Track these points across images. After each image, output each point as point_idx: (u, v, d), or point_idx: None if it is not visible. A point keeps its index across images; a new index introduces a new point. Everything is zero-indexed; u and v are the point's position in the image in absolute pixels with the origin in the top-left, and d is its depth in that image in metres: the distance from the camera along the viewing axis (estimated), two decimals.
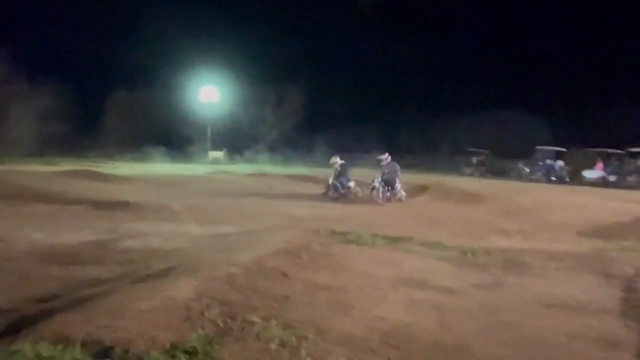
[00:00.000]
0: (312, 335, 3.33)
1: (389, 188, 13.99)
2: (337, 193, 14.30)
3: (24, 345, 2.78)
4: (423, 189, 16.49)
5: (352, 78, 58.11)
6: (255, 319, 3.44)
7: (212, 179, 22.33)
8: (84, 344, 2.86)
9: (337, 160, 14.69)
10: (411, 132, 44.21)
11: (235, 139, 47.55)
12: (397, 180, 14.22)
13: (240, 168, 31.83)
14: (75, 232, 7.81)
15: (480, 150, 35.46)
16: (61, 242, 7.04)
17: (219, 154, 44.63)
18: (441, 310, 4.39)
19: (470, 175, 33.19)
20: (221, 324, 3.30)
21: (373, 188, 14.01)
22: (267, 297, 4.04)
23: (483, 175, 33.14)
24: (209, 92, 46.44)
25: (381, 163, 14.47)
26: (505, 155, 35.35)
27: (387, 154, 14.62)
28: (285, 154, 44.40)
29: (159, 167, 32.59)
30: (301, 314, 3.82)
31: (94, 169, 23.77)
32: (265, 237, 7.02)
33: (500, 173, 33.13)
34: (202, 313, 3.40)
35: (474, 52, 54.77)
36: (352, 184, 14.51)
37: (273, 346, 3.09)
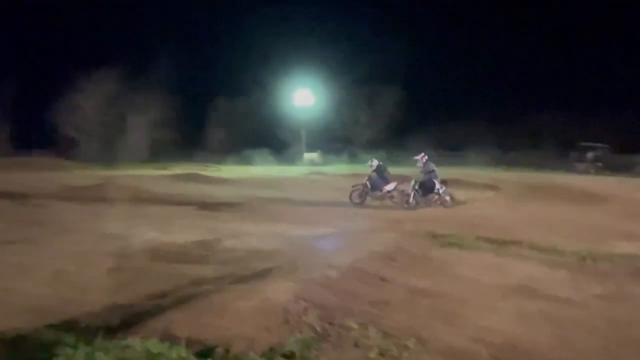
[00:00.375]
0: (413, 345, 3.13)
1: (423, 192, 12.52)
2: (362, 198, 13.23)
3: (135, 341, 2.94)
4: (530, 188, 15.30)
5: (448, 76, 56.14)
6: (353, 324, 3.32)
7: (307, 180, 22.78)
8: (189, 342, 2.95)
9: (373, 163, 13.68)
10: (514, 128, 41.44)
11: (329, 140, 48.31)
12: (436, 183, 12.63)
13: (335, 169, 32.11)
14: (183, 232, 8.34)
15: (598, 144, 32.07)
16: (171, 241, 7.54)
17: (313, 156, 45.58)
18: (559, 324, 3.91)
19: (584, 172, 30.06)
20: (319, 329, 3.23)
21: (403, 191, 12.82)
22: (364, 302, 3.91)
23: (598, 171, 29.83)
24: (304, 95, 47.58)
25: (417, 164, 13.12)
26: (623, 150, 31.72)
27: (422, 154, 13.24)
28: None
29: (258, 169, 34.11)
30: (401, 322, 3.63)
31: (200, 172, 25.49)
32: (362, 239, 6.91)
33: (618, 169, 29.55)
34: (300, 316, 3.36)
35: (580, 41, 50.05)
36: (390, 186, 13.19)
37: (372, 355, 2.95)
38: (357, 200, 13.20)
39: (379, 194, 13.17)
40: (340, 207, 13.09)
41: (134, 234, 8.21)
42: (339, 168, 33.19)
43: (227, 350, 2.87)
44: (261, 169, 33.93)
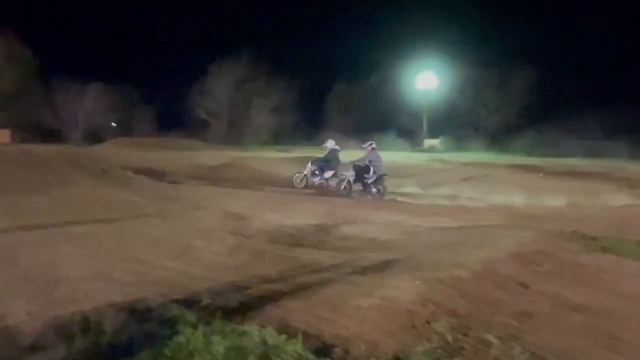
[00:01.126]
0: None
1: (355, 179, 12.00)
2: (302, 182, 12.59)
3: (252, 329, 2.83)
4: None
5: (589, 56, 49.76)
6: (492, 339, 2.85)
7: (428, 168, 21.86)
8: (305, 336, 2.77)
9: (328, 144, 12.94)
10: None
11: (453, 127, 46.05)
12: (372, 172, 11.95)
13: (457, 156, 30.48)
14: (301, 215, 8.38)
15: None
16: (289, 224, 7.60)
17: (434, 142, 43.82)
18: None
19: None
20: (450, 340, 2.82)
21: (340, 176, 12.14)
22: (503, 312, 3.39)
23: None
24: (427, 79, 45.76)
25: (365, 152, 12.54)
26: None
27: (370, 142, 12.86)
28: (506, 142, 40.81)
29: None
30: (549, 340, 3.06)
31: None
32: (493, 235, 6.22)
33: None
34: (428, 322, 2.99)
35: None
36: (328, 174, 12.46)
37: None
38: (299, 185, 12.82)
39: (317, 180, 12.58)
40: (462, 196, 12.27)
41: (255, 214, 8.45)
42: (463, 156, 31.44)
43: (346, 352, 2.62)
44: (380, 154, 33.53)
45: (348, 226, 7.40)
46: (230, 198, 10.73)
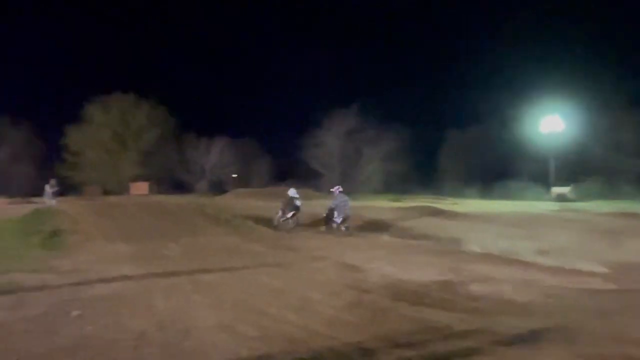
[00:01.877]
0: None
1: (325, 219, 14.29)
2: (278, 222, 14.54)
3: None
4: None
5: None
6: None
7: (560, 219, 19.82)
8: None
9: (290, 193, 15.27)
10: None
11: (583, 173, 41.87)
12: (336, 214, 13.98)
13: (595, 206, 27.35)
14: (421, 269, 7.93)
15: None
16: (410, 279, 7.21)
17: (564, 190, 39.95)
18: None
19: None
20: None
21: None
22: None
23: None
24: (552, 122, 42.51)
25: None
26: None
27: (337, 187, 15.18)
28: None
29: (497, 204, 31.70)
30: None
31: (434, 205, 25.07)
32: None
33: None
34: None
35: None
36: (290, 214, 14.74)
37: None
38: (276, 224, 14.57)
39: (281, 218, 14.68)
40: (609, 253, 10.71)
41: (372, 267, 8.21)
42: (598, 205, 28.16)
43: None
44: (502, 204, 31.39)
45: (477, 284, 6.78)
46: (345, 248, 10.64)
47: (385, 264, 8.52)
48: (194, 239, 11.20)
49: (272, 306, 5.48)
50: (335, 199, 14.35)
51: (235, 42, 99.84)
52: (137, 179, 49.11)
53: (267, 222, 15.43)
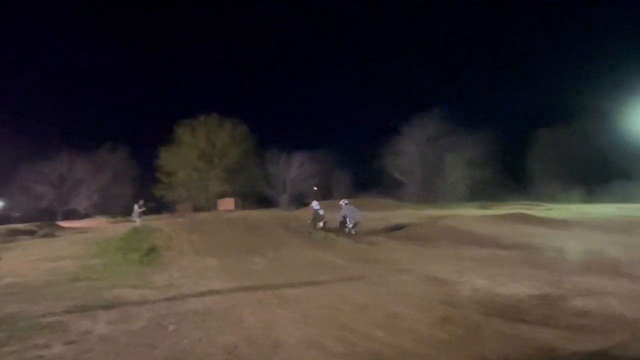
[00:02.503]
0: None
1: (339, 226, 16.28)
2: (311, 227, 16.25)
3: None
4: None
5: None
6: None
7: None
8: None
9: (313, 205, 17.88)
10: None
11: None
12: (348, 221, 15.94)
13: None
14: (516, 282, 7.45)
15: None
16: (503, 292, 6.79)
17: None
18: None
19: None
20: None
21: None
22: None
23: None
24: None
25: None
26: None
27: (344, 200, 17.24)
28: None
29: (599, 208, 29.17)
30: None
31: (525, 211, 23.64)
32: None
33: None
34: None
35: None
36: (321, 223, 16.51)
37: None
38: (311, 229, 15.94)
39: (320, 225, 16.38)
40: None
41: (461, 279, 7.86)
42: None
43: None
44: (605, 207, 28.80)
45: (581, 298, 6.22)
46: (432, 260, 10.31)
47: (476, 276, 8.12)
48: (279, 253, 11.45)
49: (358, 322, 5.42)
50: (342, 210, 16.50)
51: (309, 54, 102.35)
52: (224, 195, 51.65)
53: (347, 234, 15.45)
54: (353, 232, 15.61)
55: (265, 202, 55.15)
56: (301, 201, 51.77)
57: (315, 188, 59.32)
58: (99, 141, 56.80)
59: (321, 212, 17.08)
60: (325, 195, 55.32)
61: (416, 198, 46.66)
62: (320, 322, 5.43)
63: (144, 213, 21.50)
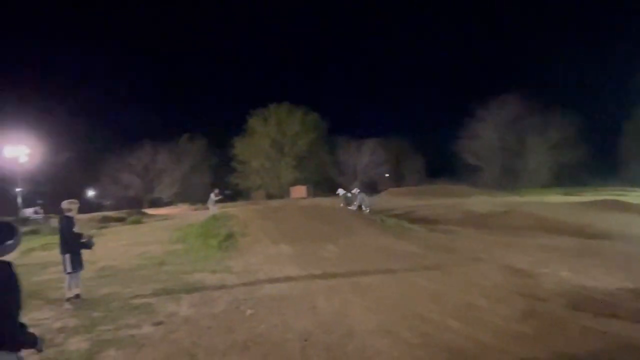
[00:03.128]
0: None
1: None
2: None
3: None
4: None
5: None
6: None
7: None
8: None
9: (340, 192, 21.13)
10: None
11: None
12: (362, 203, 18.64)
13: None
14: (607, 275, 6.96)
15: None
16: (593, 285, 6.37)
17: None
18: None
19: None
20: None
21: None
22: None
23: None
24: None
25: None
26: None
27: (356, 189, 20.27)
28: None
29: None
30: None
31: (618, 198, 21.88)
32: None
33: None
34: None
35: None
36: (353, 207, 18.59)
37: None
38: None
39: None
40: None
41: (544, 271, 7.47)
42: None
43: None
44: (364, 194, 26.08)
45: None
46: (512, 250, 9.87)
47: (561, 267, 7.69)
48: (350, 240, 11.50)
49: (432, 312, 5.33)
50: (357, 197, 18.83)
51: (381, 38, 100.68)
52: (296, 183, 52.67)
53: (422, 220, 15.19)
54: (367, 211, 18.01)
55: (336, 189, 55.46)
56: (374, 188, 51.52)
57: (386, 175, 58.75)
58: (178, 133, 60.08)
59: (349, 194, 20.09)
60: (398, 182, 54.70)
61: (493, 184, 44.63)
62: (394, 311, 5.41)
63: (219, 201, 22.45)
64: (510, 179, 47.10)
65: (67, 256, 6.34)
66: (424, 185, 46.29)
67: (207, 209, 23.24)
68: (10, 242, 2.33)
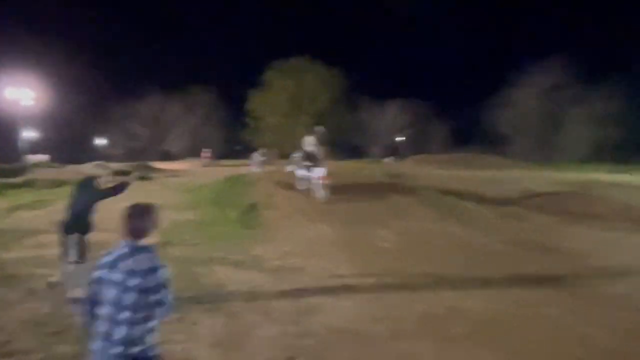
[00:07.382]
0: None
1: None
2: None
3: None
4: None
5: None
6: None
7: None
8: None
9: None
10: None
11: None
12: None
13: None
14: None
15: None
16: None
17: None
18: None
19: None
20: None
21: None
22: None
23: None
24: None
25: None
26: None
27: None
28: None
29: None
30: None
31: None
32: None
33: None
34: None
35: None
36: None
37: None
38: None
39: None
40: None
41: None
42: None
43: None
44: None
45: None
46: (625, 249, 7.58)
47: None
48: (405, 223, 9.25)
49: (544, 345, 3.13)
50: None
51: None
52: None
53: (472, 198, 12.88)
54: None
55: (355, 152, 52.81)
56: (397, 153, 48.83)
57: (402, 139, 55.77)
58: (188, 82, 57.06)
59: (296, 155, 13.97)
60: (420, 148, 51.92)
61: (526, 156, 41.71)
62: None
63: (265, 162, 21.50)
64: (544, 151, 44.19)
65: (75, 237, 4.71)
66: (452, 154, 43.47)
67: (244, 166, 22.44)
68: None
